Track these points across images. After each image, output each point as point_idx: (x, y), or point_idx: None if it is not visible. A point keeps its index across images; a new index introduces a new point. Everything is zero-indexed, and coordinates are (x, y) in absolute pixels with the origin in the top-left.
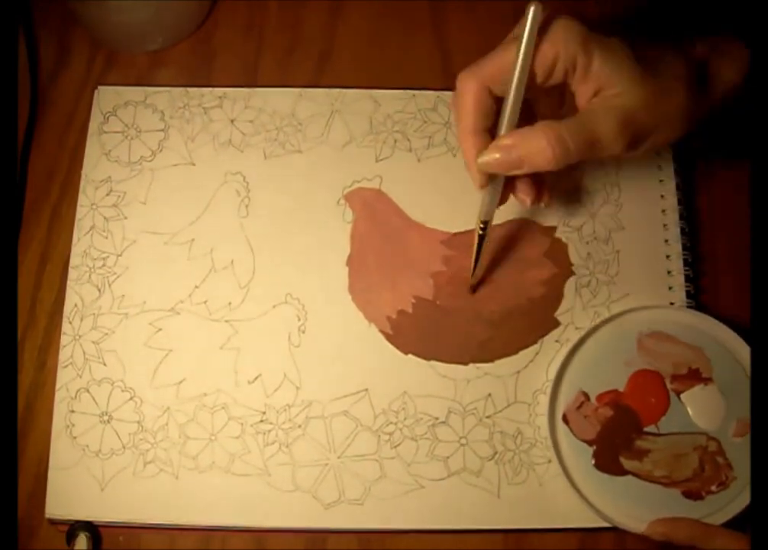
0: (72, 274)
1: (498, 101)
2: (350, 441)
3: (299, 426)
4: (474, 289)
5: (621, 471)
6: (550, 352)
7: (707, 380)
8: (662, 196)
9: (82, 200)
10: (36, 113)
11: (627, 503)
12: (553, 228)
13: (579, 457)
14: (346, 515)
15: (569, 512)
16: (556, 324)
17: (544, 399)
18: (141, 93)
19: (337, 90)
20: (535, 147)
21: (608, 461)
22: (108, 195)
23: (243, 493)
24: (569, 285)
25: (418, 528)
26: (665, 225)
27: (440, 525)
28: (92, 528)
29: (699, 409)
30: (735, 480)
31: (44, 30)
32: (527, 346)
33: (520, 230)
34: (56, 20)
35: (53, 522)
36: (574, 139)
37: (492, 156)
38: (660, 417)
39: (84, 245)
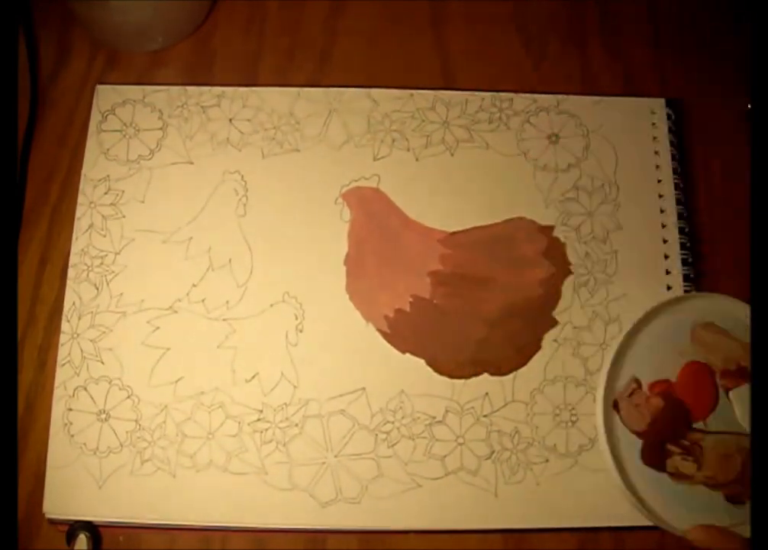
0: (70, 273)
1: None
2: (347, 440)
3: (296, 425)
4: None
5: (667, 468)
6: (547, 351)
7: None
8: (660, 195)
9: (81, 199)
10: (36, 113)
11: (669, 501)
12: (551, 228)
13: (627, 449)
14: (343, 513)
15: (567, 512)
16: (554, 323)
17: (599, 388)
18: (140, 92)
19: (335, 89)
20: None
21: (655, 455)
22: (106, 193)
23: (240, 492)
24: (567, 284)
25: (415, 527)
26: (663, 225)
27: (437, 524)
28: (92, 528)
29: (746, 408)
30: None
31: (44, 30)
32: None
33: (518, 229)
34: (56, 20)
35: (53, 522)
36: None
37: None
38: (709, 413)
39: (82, 244)
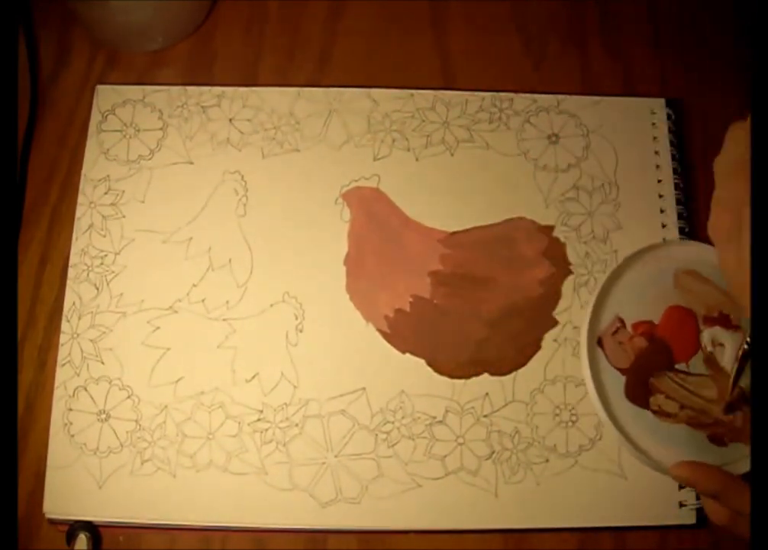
0: (70, 273)
1: None
2: (347, 440)
3: (296, 425)
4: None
5: (650, 405)
6: (548, 351)
7: (736, 328)
8: (660, 195)
9: (81, 199)
10: (36, 113)
11: (653, 437)
12: (551, 228)
13: (612, 385)
14: (343, 513)
15: (567, 512)
16: (554, 323)
17: (583, 324)
18: (140, 92)
19: (336, 89)
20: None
21: (639, 392)
22: (106, 193)
23: (240, 492)
24: (567, 284)
25: (415, 527)
26: (663, 225)
27: (437, 524)
28: (92, 528)
29: (729, 352)
30: None
31: (44, 30)
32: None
33: (518, 229)
34: (56, 20)
35: (53, 522)
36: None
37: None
38: (691, 356)
39: (82, 244)
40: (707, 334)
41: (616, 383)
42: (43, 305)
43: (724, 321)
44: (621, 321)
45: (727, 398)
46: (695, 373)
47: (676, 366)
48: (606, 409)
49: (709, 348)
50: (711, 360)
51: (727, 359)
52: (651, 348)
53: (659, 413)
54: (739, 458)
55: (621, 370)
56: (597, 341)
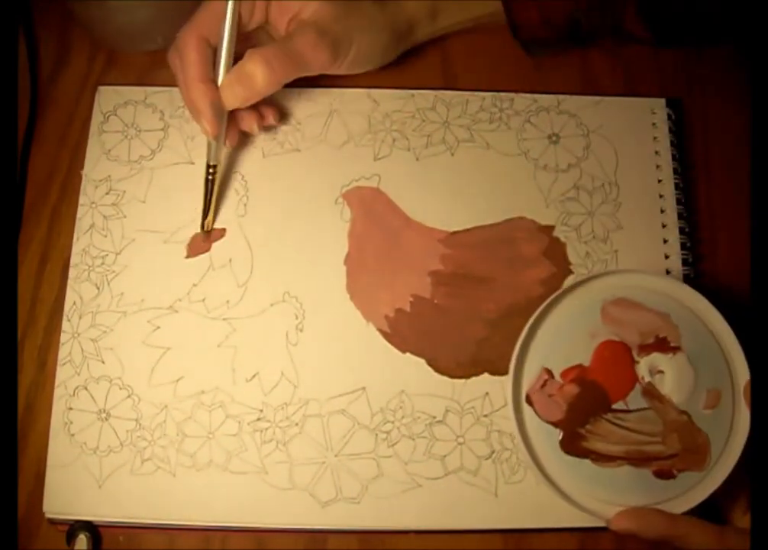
0: (71, 272)
1: (214, 53)
2: (347, 440)
3: (296, 424)
4: (208, 238)
5: (589, 453)
6: None
7: (675, 349)
8: (660, 195)
9: (82, 199)
10: (36, 113)
11: (597, 488)
12: (552, 227)
13: (546, 440)
14: (343, 513)
15: (567, 512)
16: None
17: (507, 384)
18: (141, 93)
19: (336, 89)
20: (249, 77)
21: (576, 442)
22: (107, 194)
23: (240, 491)
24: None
25: (415, 527)
26: (664, 225)
27: (437, 524)
28: (92, 528)
29: (672, 377)
30: (708, 455)
31: (44, 30)
32: None
33: (518, 229)
34: (56, 20)
35: (53, 522)
36: (278, 58)
37: (233, 93)
38: (629, 392)
39: (83, 244)
40: (644, 364)
41: (551, 438)
42: (43, 305)
43: (660, 345)
44: (549, 372)
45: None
46: (634, 409)
47: (614, 406)
48: (540, 470)
49: (647, 378)
50: (649, 391)
51: (669, 385)
52: (583, 394)
53: (600, 460)
54: (690, 487)
55: (555, 424)
56: (525, 399)
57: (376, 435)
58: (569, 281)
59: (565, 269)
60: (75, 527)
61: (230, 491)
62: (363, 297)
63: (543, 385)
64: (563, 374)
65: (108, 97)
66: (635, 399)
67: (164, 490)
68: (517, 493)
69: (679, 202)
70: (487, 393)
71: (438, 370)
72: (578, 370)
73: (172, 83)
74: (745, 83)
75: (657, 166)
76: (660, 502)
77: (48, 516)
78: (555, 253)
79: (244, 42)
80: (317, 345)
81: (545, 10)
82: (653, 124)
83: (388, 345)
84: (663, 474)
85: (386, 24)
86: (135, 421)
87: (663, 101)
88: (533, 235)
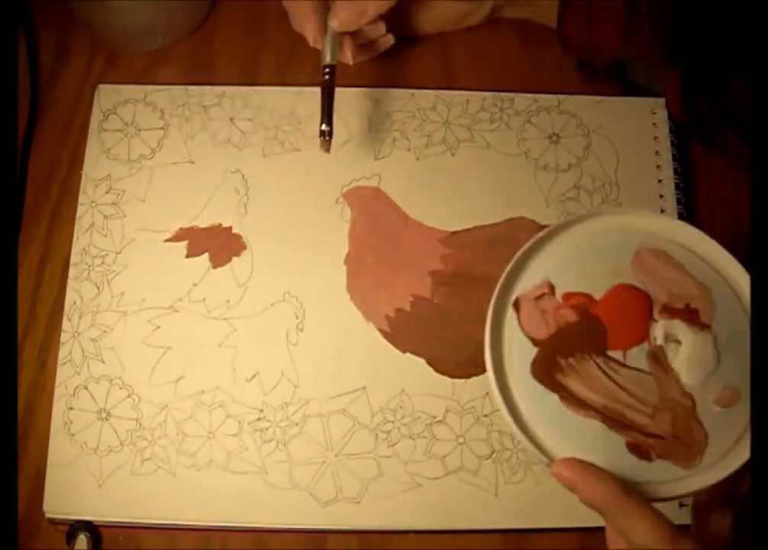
0: (71, 272)
1: None
2: (347, 440)
3: (296, 424)
4: (327, 142)
5: (560, 388)
6: None
7: (704, 326)
8: (661, 195)
9: (82, 198)
10: (36, 113)
11: (554, 428)
12: None
13: (517, 355)
14: (343, 513)
15: (567, 512)
16: None
17: (502, 275)
18: (141, 91)
19: (337, 89)
20: None
21: (550, 371)
22: (107, 193)
23: (240, 491)
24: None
25: (415, 527)
26: None
27: (437, 523)
28: (92, 528)
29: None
30: (700, 456)
31: (44, 30)
32: None
33: (518, 229)
34: (56, 20)
35: (53, 522)
36: None
37: (342, 14)
38: (632, 346)
39: (83, 243)
40: (661, 325)
41: (523, 353)
42: (43, 304)
43: (689, 316)
44: (551, 286)
45: (326, 139)
46: (632, 366)
47: (609, 352)
48: (499, 379)
49: (659, 342)
50: (656, 356)
51: (682, 359)
52: (579, 325)
53: (569, 401)
54: (664, 480)
55: (534, 341)
56: (513, 302)
57: (376, 434)
58: (606, 206)
59: None
60: (75, 527)
61: (231, 491)
62: (364, 297)
63: (540, 297)
64: (565, 297)
65: (107, 95)
66: (636, 357)
67: (164, 490)
68: (518, 493)
69: (679, 202)
70: (487, 393)
71: (438, 369)
72: (583, 299)
73: (173, 82)
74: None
75: (658, 166)
76: (627, 482)
77: (48, 515)
78: None
79: None
80: (317, 345)
81: (591, 39)
82: (654, 124)
83: (389, 345)
84: (638, 451)
85: None
86: (135, 421)
87: (663, 101)
88: (533, 235)
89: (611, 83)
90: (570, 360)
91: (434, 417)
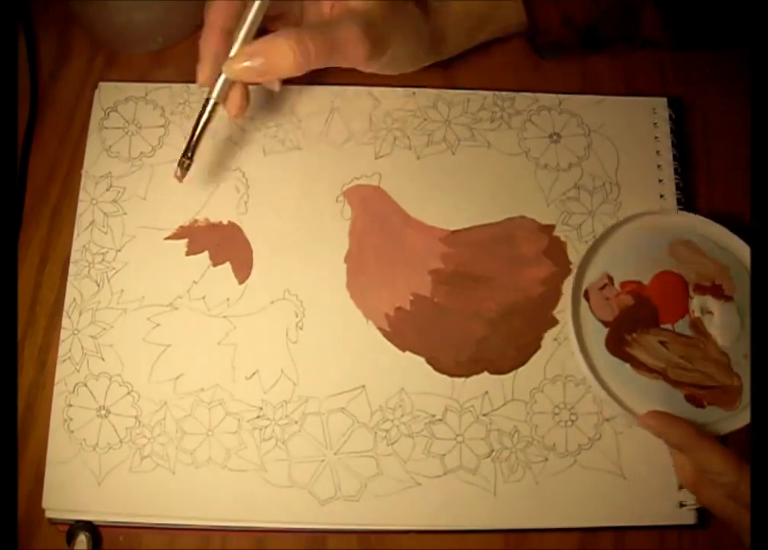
0: (71, 269)
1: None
2: (346, 438)
3: (296, 422)
4: (182, 177)
5: (630, 358)
6: (548, 350)
7: (728, 298)
8: (661, 195)
9: (83, 196)
10: (36, 112)
11: (632, 390)
12: (552, 226)
13: (594, 335)
14: (342, 511)
15: (567, 512)
16: (554, 322)
17: (569, 280)
18: (142, 89)
19: (337, 87)
20: (278, 52)
21: (620, 345)
22: (107, 190)
23: (239, 489)
24: (568, 283)
25: (414, 525)
26: None
27: (436, 522)
28: (92, 529)
29: (720, 320)
30: (739, 399)
31: (44, 30)
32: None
33: (519, 228)
34: (56, 20)
35: (53, 522)
36: (315, 43)
37: (240, 64)
38: (679, 319)
39: (83, 240)
40: (697, 301)
41: (598, 333)
42: (43, 304)
43: (716, 290)
44: (610, 278)
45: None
46: (680, 334)
47: (662, 326)
48: (586, 359)
49: (697, 314)
50: (697, 326)
51: (715, 326)
52: (636, 306)
53: (638, 366)
54: (715, 421)
55: (605, 323)
56: (584, 293)
57: (376, 433)
58: (642, 211)
59: (565, 268)
60: (75, 527)
61: (229, 489)
62: (363, 295)
63: (603, 287)
64: (622, 285)
65: (108, 93)
66: (683, 328)
67: (163, 487)
68: (516, 493)
69: (679, 201)
70: (486, 392)
71: (438, 368)
72: (636, 286)
73: (174, 80)
74: (746, 83)
75: (658, 166)
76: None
77: (47, 512)
78: (555, 252)
79: (274, 17)
80: (317, 343)
81: (566, 11)
82: (654, 123)
83: (388, 344)
84: (694, 400)
85: (425, 34)
86: (134, 418)
87: (664, 100)
88: (533, 234)
89: (582, 54)
90: (634, 335)
91: (434, 416)
